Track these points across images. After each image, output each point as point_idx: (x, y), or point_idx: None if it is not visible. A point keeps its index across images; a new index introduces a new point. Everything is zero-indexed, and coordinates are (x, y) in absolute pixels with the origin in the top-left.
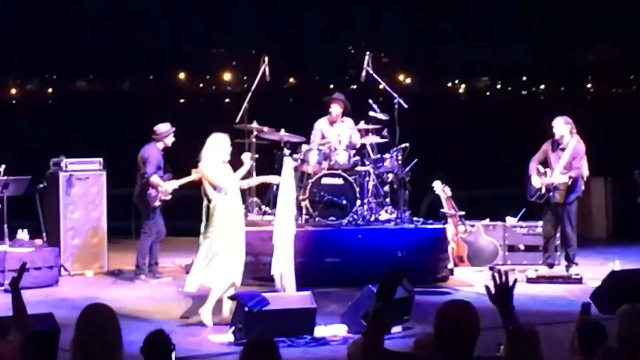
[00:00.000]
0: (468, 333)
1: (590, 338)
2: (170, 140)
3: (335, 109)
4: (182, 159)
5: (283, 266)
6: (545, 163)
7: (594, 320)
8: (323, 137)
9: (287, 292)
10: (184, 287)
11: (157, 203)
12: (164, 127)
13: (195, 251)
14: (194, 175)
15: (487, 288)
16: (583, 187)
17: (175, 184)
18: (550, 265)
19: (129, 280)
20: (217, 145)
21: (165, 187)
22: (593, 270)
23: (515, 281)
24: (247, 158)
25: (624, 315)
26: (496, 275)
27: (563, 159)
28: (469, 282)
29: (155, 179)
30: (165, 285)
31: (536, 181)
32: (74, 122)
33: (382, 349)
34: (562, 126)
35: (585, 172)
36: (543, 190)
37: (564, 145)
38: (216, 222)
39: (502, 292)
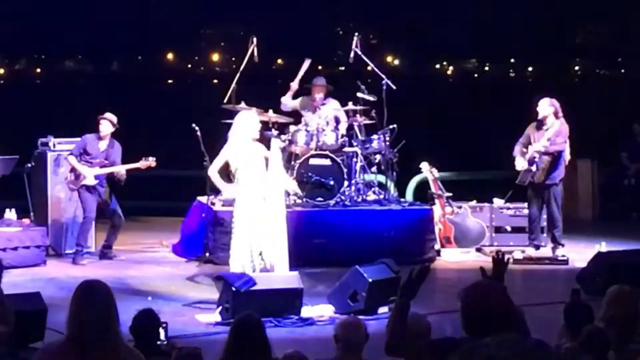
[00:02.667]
0: (494, 314)
1: (577, 319)
2: (102, 128)
3: (319, 92)
4: (169, 139)
5: (274, 246)
6: (529, 145)
7: (583, 302)
8: (300, 118)
9: (276, 273)
10: None
11: (72, 186)
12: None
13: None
14: (141, 164)
15: (482, 269)
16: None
17: (107, 170)
18: (537, 247)
19: (117, 260)
20: (244, 123)
21: (81, 170)
22: (579, 251)
23: (508, 261)
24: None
25: (612, 296)
26: (495, 256)
27: (546, 136)
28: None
29: (70, 159)
30: (155, 264)
31: (519, 162)
32: (62, 102)
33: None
34: (546, 107)
35: (567, 156)
36: (534, 169)
37: (547, 126)
38: (235, 206)
39: (499, 270)
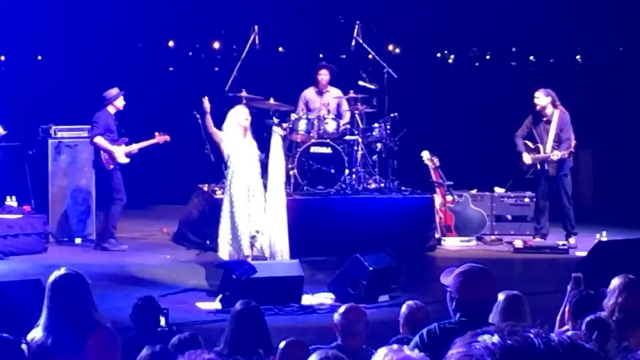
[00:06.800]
0: (488, 299)
1: (583, 308)
2: (120, 103)
3: (325, 75)
4: (171, 125)
5: (275, 234)
6: (530, 137)
7: (586, 290)
8: (308, 108)
9: (277, 260)
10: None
11: (112, 166)
12: (112, 92)
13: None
14: (158, 139)
15: None
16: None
17: (133, 147)
18: (544, 236)
19: (115, 248)
20: (233, 112)
21: (113, 149)
22: (580, 241)
23: None
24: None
25: (617, 285)
26: None
27: (551, 132)
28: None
29: (98, 140)
30: (155, 252)
31: (527, 158)
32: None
33: None
34: (543, 98)
35: (573, 141)
36: (538, 167)
37: (548, 117)
38: (227, 187)
39: None
